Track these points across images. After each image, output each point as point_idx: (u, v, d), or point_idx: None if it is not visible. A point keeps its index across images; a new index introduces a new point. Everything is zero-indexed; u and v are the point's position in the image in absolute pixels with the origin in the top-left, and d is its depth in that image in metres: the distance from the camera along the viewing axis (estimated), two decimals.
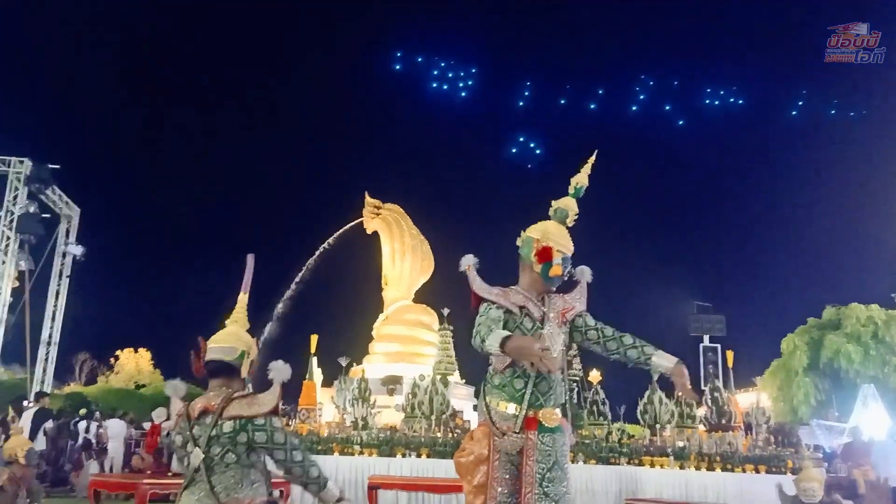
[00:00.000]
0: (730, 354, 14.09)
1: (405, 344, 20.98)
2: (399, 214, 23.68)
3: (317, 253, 24.88)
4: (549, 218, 3.89)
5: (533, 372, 3.45)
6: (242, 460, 3.12)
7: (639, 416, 13.32)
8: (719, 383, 13.82)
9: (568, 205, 3.88)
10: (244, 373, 3.34)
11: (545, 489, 3.42)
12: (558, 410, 3.61)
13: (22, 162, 23.00)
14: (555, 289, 3.80)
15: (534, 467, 3.43)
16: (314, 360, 16.00)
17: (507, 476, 3.48)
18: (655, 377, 3.71)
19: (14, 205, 22.72)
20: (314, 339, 15.89)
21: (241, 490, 3.11)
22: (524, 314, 3.62)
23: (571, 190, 3.93)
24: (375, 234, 23.83)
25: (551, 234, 3.75)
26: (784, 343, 29.07)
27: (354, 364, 19.12)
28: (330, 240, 24.86)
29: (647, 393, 13.05)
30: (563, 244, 3.75)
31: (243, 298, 3.65)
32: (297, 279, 25.35)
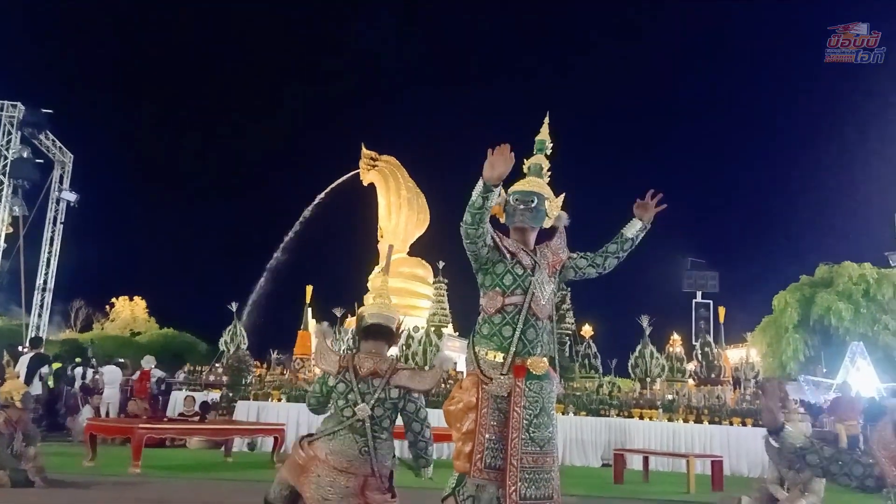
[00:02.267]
0: (721, 310, 14.22)
1: (400, 296, 21.02)
2: (395, 167, 23.48)
3: (312, 204, 24.82)
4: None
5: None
6: (390, 427, 3.69)
7: (630, 370, 13.49)
8: (710, 338, 13.97)
9: (538, 160, 4.05)
10: (396, 341, 3.95)
11: (531, 434, 3.49)
12: (546, 359, 3.66)
13: (15, 106, 22.69)
14: (534, 227, 3.85)
15: (521, 413, 3.50)
16: (309, 310, 16.09)
17: (495, 423, 3.52)
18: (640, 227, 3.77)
19: (7, 149, 22.49)
20: (309, 289, 15.96)
21: (388, 459, 3.68)
22: (515, 262, 3.69)
23: (536, 149, 4.10)
24: (372, 186, 23.68)
25: (518, 184, 3.89)
26: (775, 300, 29.27)
27: (349, 315, 19.25)
28: (326, 191, 24.76)
29: (638, 347, 13.20)
30: (529, 188, 3.85)
31: (386, 279, 4.50)
32: (292, 229, 25.36)
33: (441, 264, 18.78)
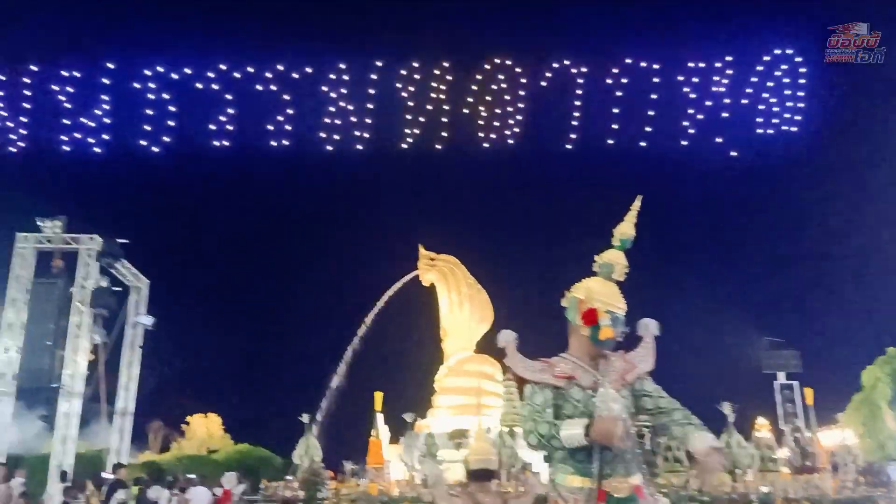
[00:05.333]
0: (808, 392, 13.56)
1: (469, 395, 20.80)
2: (454, 265, 23.76)
3: (375, 309, 25.06)
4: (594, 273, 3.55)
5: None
6: None
7: None
8: (800, 423, 13.28)
9: (613, 259, 3.51)
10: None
11: None
12: (632, 479, 3.34)
13: (92, 238, 24.01)
14: (609, 350, 3.49)
15: None
16: (380, 417, 16.00)
17: None
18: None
19: (86, 280, 23.65)
20: (378, 396, 15.93)
21: None
22: (573, 384, 3.35)
23: (616, 242, 3.55)
24: (432, 286, 23.92)
25: (596, 292, 3.41)
26: (865, 375, 27.72)
27: (419, 419, 19.05)
28: (388, 294, 25.04)
29: (723, 436, 12.60)
30: (611, 303, 3.40)
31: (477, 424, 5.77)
32: (357, 337, 25.55)
33: None
